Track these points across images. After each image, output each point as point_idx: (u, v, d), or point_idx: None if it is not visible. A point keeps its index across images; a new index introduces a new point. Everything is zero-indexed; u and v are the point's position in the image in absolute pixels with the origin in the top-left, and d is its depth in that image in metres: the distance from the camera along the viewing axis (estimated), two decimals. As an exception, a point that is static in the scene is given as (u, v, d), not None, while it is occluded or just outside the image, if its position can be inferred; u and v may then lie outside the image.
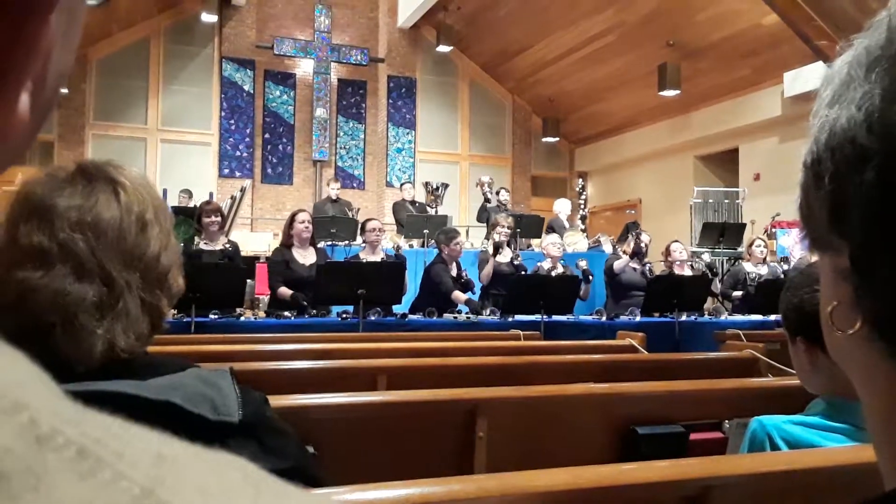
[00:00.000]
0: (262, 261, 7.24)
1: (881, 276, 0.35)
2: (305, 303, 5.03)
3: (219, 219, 5.34)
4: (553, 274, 5.84)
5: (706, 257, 7.67)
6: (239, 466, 0.20)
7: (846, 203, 0.36)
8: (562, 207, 9.15)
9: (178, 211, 8.91)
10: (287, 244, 5.35)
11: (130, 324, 0.83)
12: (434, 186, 9.10)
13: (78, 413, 0.18)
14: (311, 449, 1.46)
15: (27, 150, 0.24)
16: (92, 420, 0.18)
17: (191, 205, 9.20)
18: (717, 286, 6.83)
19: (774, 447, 1.22)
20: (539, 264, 6.18)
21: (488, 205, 8.92)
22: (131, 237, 0.84)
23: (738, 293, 6.29)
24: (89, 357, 0.80)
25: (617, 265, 6.04)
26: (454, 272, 5.67)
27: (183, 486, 0.18)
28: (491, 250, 6.15)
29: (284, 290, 5.17)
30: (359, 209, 10.21)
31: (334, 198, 9.51)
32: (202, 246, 5.22)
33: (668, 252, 6.23)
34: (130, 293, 0.83)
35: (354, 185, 12.84)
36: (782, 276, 6.11)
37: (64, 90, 11.00)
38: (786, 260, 7.13)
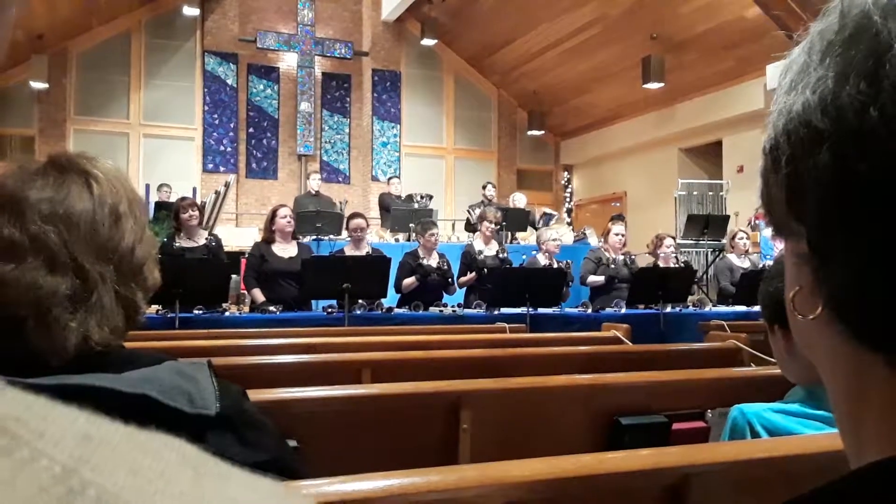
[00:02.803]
0: (247, 256, 7.20)
1: (838, 258, 0.35)
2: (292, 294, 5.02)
3: (196, 213, 5.26)
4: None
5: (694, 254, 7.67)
6: (176, 447, 0.19)
7: (802, 186, 0.36)
8: (519, 201, 9.22)
9: (161, 206, 8.81)
10: (268, 240, 5.32)
11: (105, 317, 0.82)
12: (420, 196, 9.21)
13: None
14: (293, 442, 1.45)
15: None
16: (13, 399, 0.18)
17: (172, 199, 9.10)
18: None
19: (755, 434, 1.24)
20: (533, 258, 6.18)
21: (475, 211, 9.00)
22: (104, 229, 0.83)
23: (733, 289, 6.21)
24: (63, 350, 0.79)
25: (591, 281, 6.07)
26: (434, 262, 5.70)
27: (111, 467, 0.17)
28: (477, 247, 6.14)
29: (257, 294, 5.16)
30: (346, 201, 10.15)
31: (314, 192, 9.34)
32: (183, 244, 5.07)
33: (659, 244, 6.25)
34: (104, 286, 0.82)
35: (340, 179, 12.80)
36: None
37: (44, 84, 10.86)
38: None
